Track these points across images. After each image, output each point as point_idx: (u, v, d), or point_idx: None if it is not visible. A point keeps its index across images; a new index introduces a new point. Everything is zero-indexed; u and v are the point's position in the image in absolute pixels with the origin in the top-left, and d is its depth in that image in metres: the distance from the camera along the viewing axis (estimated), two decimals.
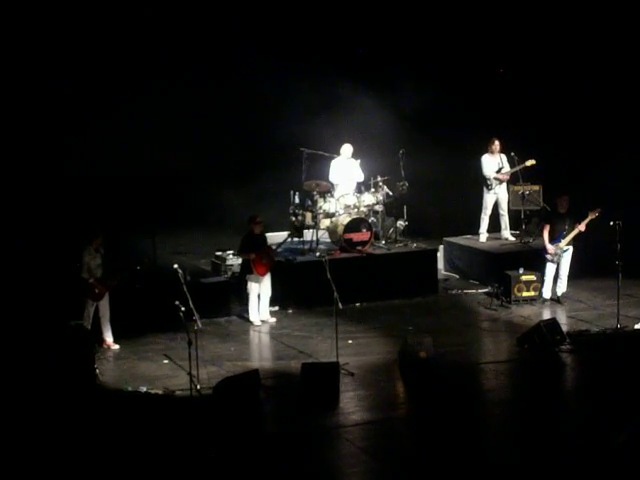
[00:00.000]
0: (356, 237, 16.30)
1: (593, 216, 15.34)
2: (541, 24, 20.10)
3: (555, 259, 15.54)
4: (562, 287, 15.77)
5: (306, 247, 16.40)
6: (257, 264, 14.80)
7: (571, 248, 15.60)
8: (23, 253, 15.72)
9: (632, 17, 19.43)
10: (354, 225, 16.29)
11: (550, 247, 15.52)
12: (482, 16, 20.30)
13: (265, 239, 15.32)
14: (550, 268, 15.67)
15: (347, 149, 17.01)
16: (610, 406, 11.36)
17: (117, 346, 13.85)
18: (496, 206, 17.33)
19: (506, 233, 17.47)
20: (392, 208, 17.22)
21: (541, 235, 15.99)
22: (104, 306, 13.75)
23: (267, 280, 15.01)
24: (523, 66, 20.59)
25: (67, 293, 13.90)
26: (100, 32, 18.79)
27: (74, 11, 18.46)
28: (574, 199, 15.67)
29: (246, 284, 14.95)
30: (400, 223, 17.20)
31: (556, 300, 15.77)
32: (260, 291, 14.98)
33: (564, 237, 15.45)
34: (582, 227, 15.38)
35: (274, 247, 15.42)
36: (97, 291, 13.60)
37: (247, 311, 15.14)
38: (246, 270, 14.94)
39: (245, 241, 14.95)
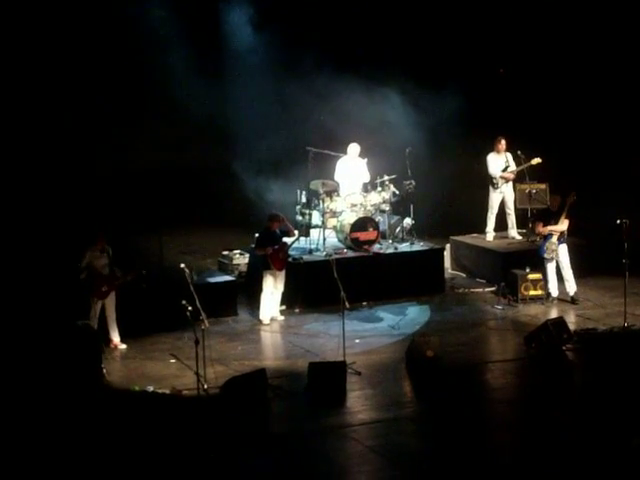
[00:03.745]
0: (363, 236, 16.27)
1: (572, 199, 15.27)
2: (547, 22, 20.09)
3: (552, 255, 15.42)
4: (572, 286, 15.65)
5: (313, 246, 16.39)
6: (274, 259, 14.82)
7: (565, 245, 15.51)
8: (30, 252, 15.75)
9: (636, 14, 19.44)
10: (361, 224, 16.26)
11: (542, 229, 15.39)
12: (487, 14, 20.28)
13: (281, 236, 15.32)
14: (550, 266, 15.60)
15: (354, 148, 17.00)
16: (617, 405, 11.35)
17: (124, 346, 13.86)
18: (502, 205, 17.30)
19: (513, 232, 17.44)
20: (399, 207, 17.20)
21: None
22: (111, 306, 13.76)
23: (282, 276, 15.05)
24: (529, 65, 20.55)
25: (74, 292, 13.90)
26: (107, 33, 18.84)
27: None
28: (580, 197, 15.58)
29: (262, 279, 14.94)
30: (407, 222, 17.17)
31: (570, 301, 15.64)
32: (274, 287, 15.00)
33: (552, 234, 15.40)
34: (563, 220, 15.32)
35: (288, 244, 15.47)
36: (103, 289, 13.60)
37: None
38: (263, 266, 14.93)
39: (262, 237, 14.99)
